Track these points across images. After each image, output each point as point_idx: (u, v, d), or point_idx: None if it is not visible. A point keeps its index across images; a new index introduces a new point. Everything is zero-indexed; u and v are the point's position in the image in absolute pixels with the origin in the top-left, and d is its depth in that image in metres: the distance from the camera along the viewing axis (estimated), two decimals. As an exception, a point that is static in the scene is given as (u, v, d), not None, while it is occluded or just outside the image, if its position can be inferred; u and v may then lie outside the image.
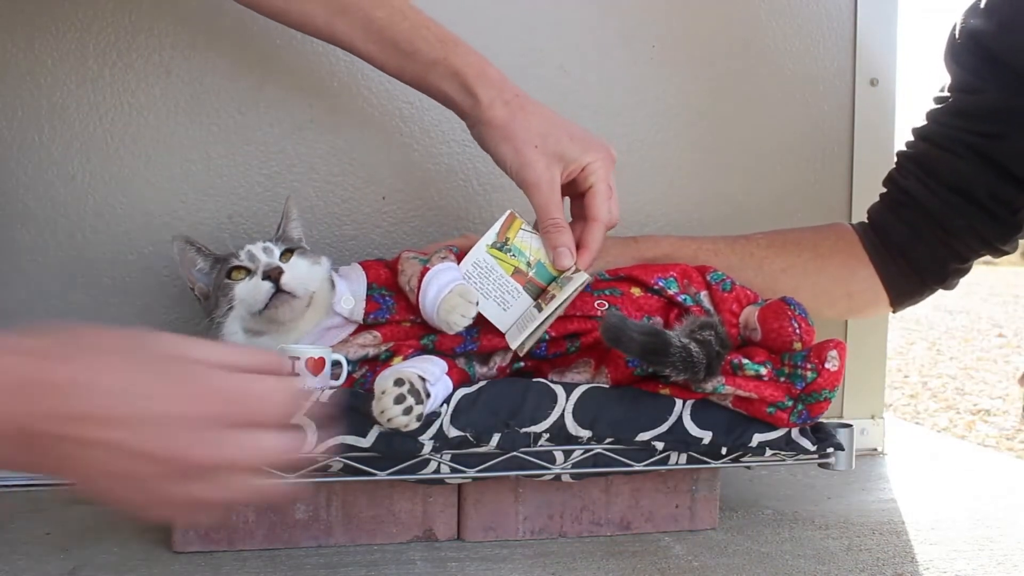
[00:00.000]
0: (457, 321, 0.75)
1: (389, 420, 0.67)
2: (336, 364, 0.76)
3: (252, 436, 0.51)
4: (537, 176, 0.78)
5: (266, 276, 0.77)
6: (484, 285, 0.79)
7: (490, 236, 0.81)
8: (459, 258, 0.81)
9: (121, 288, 0.97)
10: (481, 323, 0.78)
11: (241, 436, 0.51)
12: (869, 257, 0.96)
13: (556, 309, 0.76)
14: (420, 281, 0.77)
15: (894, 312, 1.01)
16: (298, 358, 0.75)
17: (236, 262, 0.79)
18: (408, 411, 0.67)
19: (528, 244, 0.81)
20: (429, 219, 1.04)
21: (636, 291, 0.82)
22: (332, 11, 0.81)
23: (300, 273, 0.79)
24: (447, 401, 0.74)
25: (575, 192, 0.82)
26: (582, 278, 0.77)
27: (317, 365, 0.75)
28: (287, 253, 0.81)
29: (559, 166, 0.79)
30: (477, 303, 0.76)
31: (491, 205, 1.05)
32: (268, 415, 0.52)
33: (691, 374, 0.72)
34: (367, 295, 0.80)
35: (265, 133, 1.00)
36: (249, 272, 0.79)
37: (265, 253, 0.80)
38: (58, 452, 0.49)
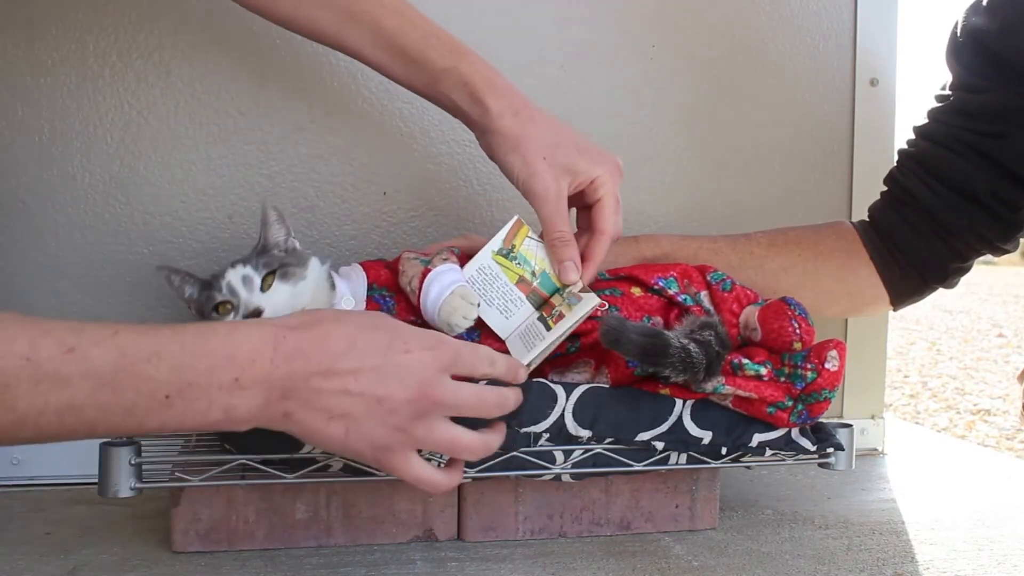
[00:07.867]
0: (459, 323, 0.75)
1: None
2: None
3: (464, 385, 0.64)
4: (544, 187, 0.77)
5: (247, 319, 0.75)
6: (487, 291, 0.78)
7: (496, 242, 0.80)
8: (461, 259, 0.80)
9: (121, 288, 0.97)
10: (482, 326, 0.78)
11: (461, 384, 0.63)
12: (870, 256, 0.95)
13: (566, 331, 0.75)
14: (421, 282, 0.76)
15: (895, 311, 1.01)
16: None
17: (219, 297, 0.77)
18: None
19: (534, 253, 0.80)
20: (429, 219, 1.04)
21: (636, 291, 0.82)
22: (341, 19, 0.80)
23: (281, 304, 0.77)
24: None
25: (581, 204, 0.82)
26: (592, 301, 0.76)
27: None
28: (269, 276, 0.77)
29: (567, 178, 0.78)
30: (478, 305, 0.76)
31: (491, 205, 1.05)
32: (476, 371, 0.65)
33: (691, 374, 0.72)
34: (368, 296, 0.80)
35: (265, 133, 1.00)
36: (234, 307, 0.77)
37: (244, 285, 0.77)
38: (312, 403, 0.60)
